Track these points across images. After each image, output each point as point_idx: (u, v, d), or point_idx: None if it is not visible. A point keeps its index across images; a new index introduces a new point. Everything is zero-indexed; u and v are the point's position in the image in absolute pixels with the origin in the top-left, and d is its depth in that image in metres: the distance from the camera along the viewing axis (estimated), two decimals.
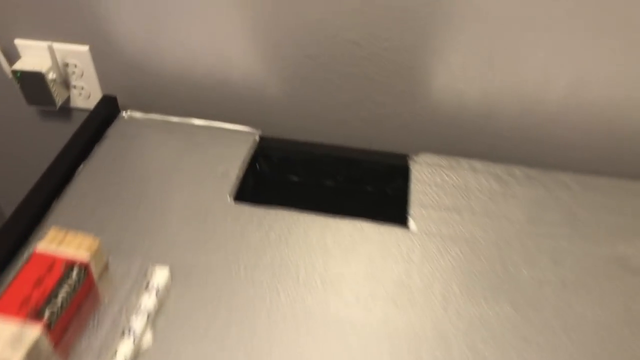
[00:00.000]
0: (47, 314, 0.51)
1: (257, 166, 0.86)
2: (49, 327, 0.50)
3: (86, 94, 0.90)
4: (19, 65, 0.84)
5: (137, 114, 0.85)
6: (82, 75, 0.87)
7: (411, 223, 0.70)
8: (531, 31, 0.70)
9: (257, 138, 0.82)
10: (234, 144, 0.81)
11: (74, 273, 0.55)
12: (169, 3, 0.77)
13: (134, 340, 0.54)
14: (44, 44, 0.83)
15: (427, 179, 0.76)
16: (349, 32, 0.75)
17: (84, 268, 0.56)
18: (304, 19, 0.74)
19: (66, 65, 0.86)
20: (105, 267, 0.61)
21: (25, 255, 0.64)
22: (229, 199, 0.73)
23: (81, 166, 0.77)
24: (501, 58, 0.74)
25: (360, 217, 0.72)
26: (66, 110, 0.94)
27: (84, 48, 0.84)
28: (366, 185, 0.86)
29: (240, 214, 0.71)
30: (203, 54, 0.82)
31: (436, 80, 0.78)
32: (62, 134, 0.97)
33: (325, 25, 0.75)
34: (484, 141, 0.83)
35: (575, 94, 0.76)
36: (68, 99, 0.91)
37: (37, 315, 0.50)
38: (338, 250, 0.67)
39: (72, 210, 0.70)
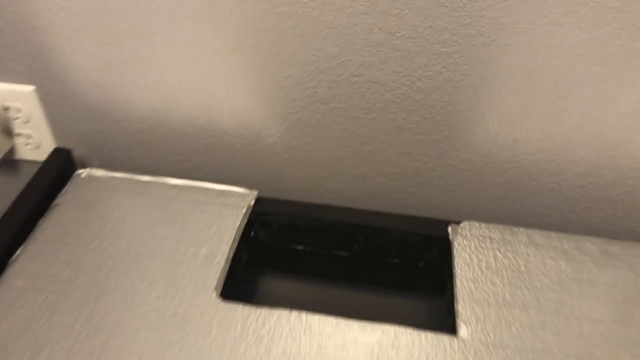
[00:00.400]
0: None
1: (252, 233, 0.67)
2: None
3: (35, 143, 0.71)
4: None
5: (98, 172, 0.66)
6: (27, 121, 0.69)
7: (461, 328, 0.52)
8: (613, 70, 0.52)
9: (252, 201, 0.64)
10: (222, 211, 0.63)
11: None
12: (135, 32, 0.59)
13: None
14: None
15: (475, 258, 0.58)
16: (372, 70, 0.57)
17: None
18: (314, 54, 0.56)
19: (6, 109, 0.68)
20: None
21: None
22: (215, 295, 0.54)
23: (19, 250, 0.58)
24: (572, 101, 0.56)
25: (391, 319, 0.54)
26: (11, 162, 0.75)
27: (29, 88, 0.66)
28: (392, 258, 0.67)
29: (230, 319, 0.52)
30: (182, 94, 0.63)
31: (483, 128, 0.60)
32: (7, 191, 0.78)
33: (342, 62, 0.57)
34: (545, 204, 0.65)
35: None
36: (12, 150, 0.72)
37: None
38: None
39: (1, 319, 0.52)
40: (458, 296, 0.55)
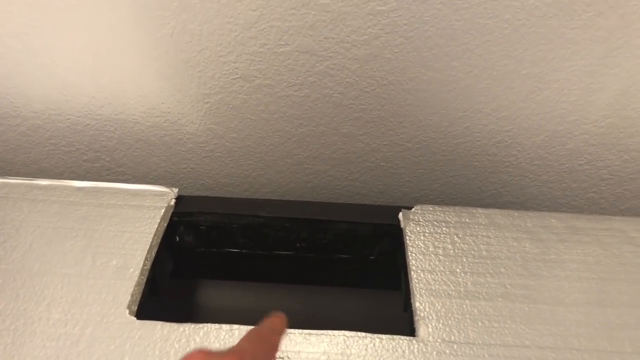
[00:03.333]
0: None
1: (177, 238, 0.58)
2: None
3: None
4: None
5: None
6: None
7: (421, 327, 0.45)
8: (570, 22, 0.46)
9: (172, 201, 0.55)
10: (136, 214, 0.53)
11: None
12: (15, 9, 0.49)
13: None
14: None
15: (431, 246, 0.51)
16: (300, 37, 0.49)
17: None
18: (229, 21, 0.48)
19: None
20: None
21: None
22: (128, 313, 0.45)
23: None
24: (527, 60, 0.50)
25: (342, 323, 0.46)
26: None
27: None
28: (339, 253, 0.60)
29: (147, 340, 0.43)
30: (79, 80, 0.54)
31: (430, 99, 0.53)
32: None
33: (264, 29, 0.48)
34: (502, 181, 0.59)
35: (622, 110, 0.53)
36: None
37: None
38: None
39: None
40: (414, 290, 0.48)
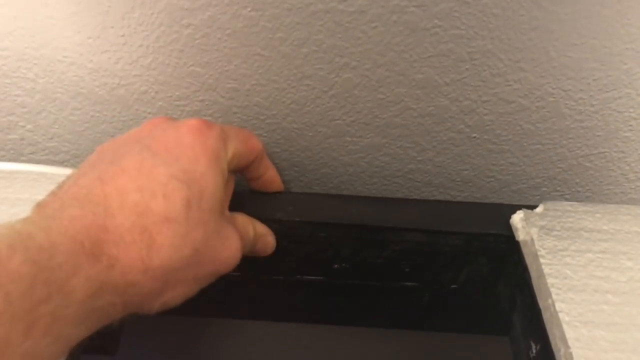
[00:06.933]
0: None
1: None
2: None
3: None
4: None
5: None
6: None
7: None
8: None
9: None
10: None
11: None
12: None
13: None
14: None
15: (582, 271, 0.29)
16: None
17: None
18: None
19: None
20: None
21: None
22: None
23: None
24: None
25: None
26: None
27: None
28: (401, 279, 0.37)
29: None
30: None
31: (577, 17, 0.31)
32: None
33: None
34: None
35: None
36: None
37: None
38: None
39: None
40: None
